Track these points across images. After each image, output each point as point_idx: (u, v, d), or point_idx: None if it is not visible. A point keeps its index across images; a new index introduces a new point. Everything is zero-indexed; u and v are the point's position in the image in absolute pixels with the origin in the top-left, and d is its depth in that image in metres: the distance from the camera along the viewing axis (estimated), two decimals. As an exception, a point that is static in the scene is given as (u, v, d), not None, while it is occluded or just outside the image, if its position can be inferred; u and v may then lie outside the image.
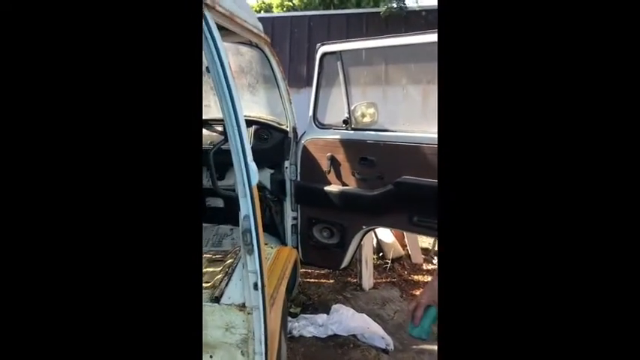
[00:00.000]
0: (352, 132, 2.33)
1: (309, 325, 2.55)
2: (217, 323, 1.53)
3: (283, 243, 2.67)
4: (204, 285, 1.76)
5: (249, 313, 1.49)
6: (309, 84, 5.25)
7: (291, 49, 6.15)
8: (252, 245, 1.39)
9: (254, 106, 2.67)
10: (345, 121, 2.33)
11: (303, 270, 3.16)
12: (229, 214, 2.78)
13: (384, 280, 3.23)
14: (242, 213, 1.38)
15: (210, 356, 1.57)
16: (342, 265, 2.56)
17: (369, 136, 2.29)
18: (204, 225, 2.91)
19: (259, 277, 1.41)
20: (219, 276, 1.78)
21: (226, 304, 1.53)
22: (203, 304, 1.54)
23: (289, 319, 2.53)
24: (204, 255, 2.12)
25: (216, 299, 1.56)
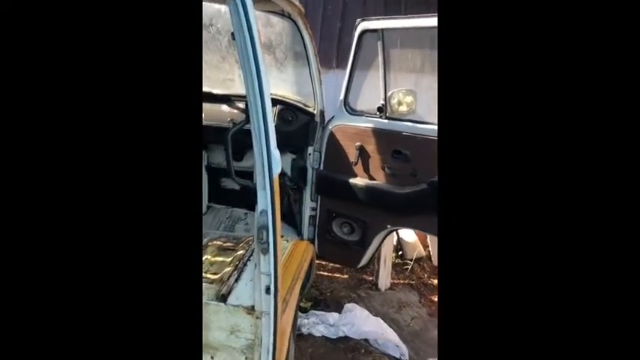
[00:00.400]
0: (386, 121, 2.10)
1: (319, 324, 2.39)
2: (222, 324, 1.37)
3: (299, 234, 2.50)
4: (211, 277, 1.60)
5: (257, 318, 1.33)
6: (338, 65, 4.96)
7: (323, 27, 5.84)
8: (268, 244, 1.21)
9: (281, 83, 2.46)
10: (380, 109, 2.10)
11: (317, 262, 2.99)
12: (245, 196, 2.62)
13: (401, 282, 3.04)
14: (259, 207, 1.20)
15: (212, 357, 1.43)
16: (360, 265, 2.39)
17: (405, 127, 2.06)
18: (217, 206, 2.78)
19: (272, 280, 1.24)
20: (228, 269, 1.62)
21: (233, 305, 1.37)
22: (208, 301, 1.39)
23: (299, 314, 2.38)
24: (215, 242, 1.97)
25: (223, 298, 1.40)
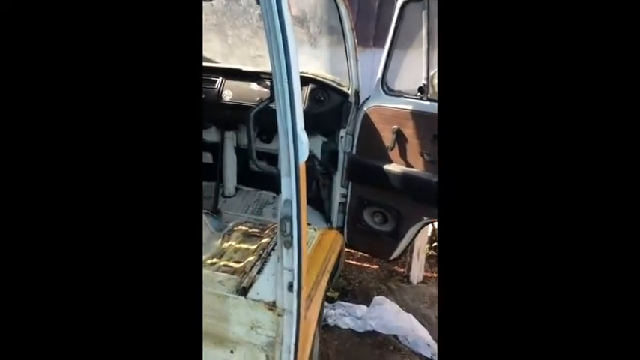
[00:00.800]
0: (428, 103, 1.90)
1: (346, 316, 2.29)
2: (241, 319, 1.29)
3: (328, 221, 2.38)
4: (234, 266, 1.52)
5: (279, 315, 1.23)
6: (376, 44, 4.70)
7: (361, 1, 5.55)
8: (292, 237, 1.09)
9: (313, 60, 2.30)
10: (421, 89, 1.90)
11: (346, 250, 2.87)
12: (273, 179, 2.53)
13: (435, 275, 2.87)
14: (282, 196, 1.08)
15: (232, 351, 1.35)
16: (392, 257, 2.24)
17: (449, 110, 1.85)
18: (246, 189, 2.71)
19: (296, 277, 1.13)
20: (251, 258, 1.53)
21: (253, 300, 1.27)
22: (228, 294, 1.30)
23: (325, 304, 2.29)
24: (240, 227, 1.88)
25: (244, 291, 1.31)
